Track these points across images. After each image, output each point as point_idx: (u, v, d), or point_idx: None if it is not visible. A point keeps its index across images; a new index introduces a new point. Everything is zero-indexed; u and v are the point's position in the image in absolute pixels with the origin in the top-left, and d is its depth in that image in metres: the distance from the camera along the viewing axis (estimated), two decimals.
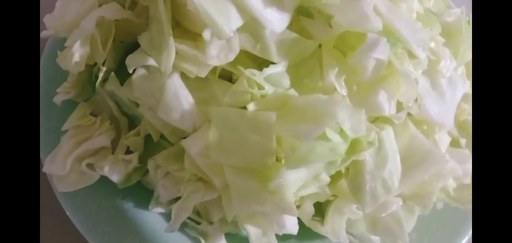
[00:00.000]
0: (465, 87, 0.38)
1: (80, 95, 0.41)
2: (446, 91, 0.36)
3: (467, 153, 0.38)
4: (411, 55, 0.30)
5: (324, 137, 0.28)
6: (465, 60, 0.39)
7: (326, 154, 0.29)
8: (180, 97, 0.33)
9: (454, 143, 0.40)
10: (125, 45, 0.39)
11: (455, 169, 0.35)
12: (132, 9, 0.37)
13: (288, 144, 0.30)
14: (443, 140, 0.37)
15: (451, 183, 0.38)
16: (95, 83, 0.38)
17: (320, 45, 0.32)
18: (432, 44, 0.36)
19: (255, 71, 0.31)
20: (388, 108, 0.31)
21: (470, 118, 0.41)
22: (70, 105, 0.41)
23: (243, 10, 0.28)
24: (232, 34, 0.28)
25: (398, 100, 0.32)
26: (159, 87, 0.33)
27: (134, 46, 0.35)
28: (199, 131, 0.33)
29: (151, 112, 0.35)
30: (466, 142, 0.40)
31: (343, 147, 0.29)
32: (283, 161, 0.30)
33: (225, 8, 0.27)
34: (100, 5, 0.40)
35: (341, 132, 0.29)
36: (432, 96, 0.35)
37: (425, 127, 0.36)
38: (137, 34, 0.35)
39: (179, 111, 0.33)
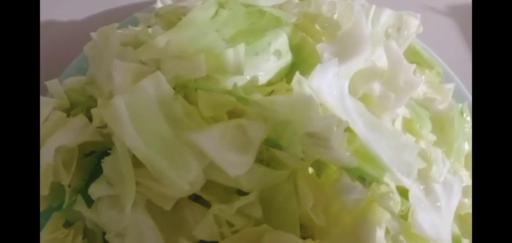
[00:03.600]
0: (462, 185, 0.35)
1: (52, 203, 0.39)
2: (441, 197, 0.33)
3: None
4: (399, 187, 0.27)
5: None
6: (461, 155, 0.35)
7: None
8: (145, 232, 0.30)
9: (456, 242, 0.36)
10: (95, 155, 0.37)
11: None
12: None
13: None
14: None
15: None
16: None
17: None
18: (423, 145, 0.32)
19: (224, 207, 0.28)
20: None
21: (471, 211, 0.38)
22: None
23: (201, 156, 0.25)
24: (189, 187, 0.25)
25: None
26: (123, 217, 0.31)
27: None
28: None
29: (120, 239, 0.33)
30: (469, 242, 0.36)
31: None
32: None
33: (181, 159, 0.25)
34: (68, 113, 0.38)
35: None
36: (426, 205, 0.32)
37: (419, 239, 0.33)
38: (107, 146, 0.33)
39: None
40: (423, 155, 0.32)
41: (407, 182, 0.27)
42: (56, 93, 0.41)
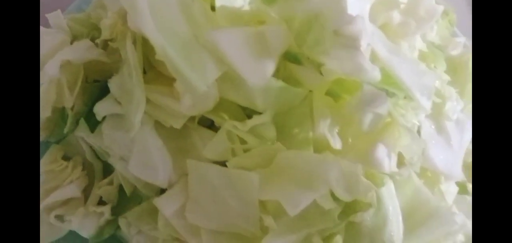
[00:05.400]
0: None
1: (51, 136, 0.38)
2: (453, 135, 0.32)
3: None
4: (415, 103, 0.27)
5: (314, 203, 0.25)
6: None
7: (317, 220, 0.25)
8: (152, 150, 0.29)
9: (462, 190, 0.36)
10: (99, 84, 0.35)
11: (465, 224, 0.31)
12: (105, 48, 0.34)
13: (273, 207, 0.26)
14: (450, 190, 0.33)
15: (460, 238, 0.34)
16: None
17: (310, 91, 0.28)
18: (437, 84, 0.32)
19: (237, 124, 0.27)
20: (388, 165, 0.27)
21: None
22: (42, 146, 0.37)
23: (220, 61, 0.24)
24: (207, 88, 0.24)
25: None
26: (130, 137, 0.30)
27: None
28: (174, 188, 0.29)
29: (123, 163, 0.32)
30: None
31: (337, 211, 0.26)
32: (268, 227, 0.26)
33: (199, 60, 0.24)
34: (71, 42, 0.37)
35: (334, 196, 0.25)
36: (438, 142, 0.32)
37: (429, 174, 0.32)
38: (112, 74, 0.31)
39: (151, 165, 0.29)
40: (437, 92, 0.32)
41: (427, 105, 0.26)
42: (58, 25, 0.39)
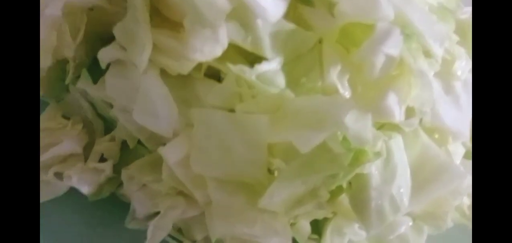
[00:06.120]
0: None
1: (50, 94, 0.37)
2: (461, 95, 0.32)
3: None
4: (426, 53, 0.26)
5: (324, 146, 0.24)
6: None
7: (326, 166, 0.25)
8: (157, 97, 0.28)
9: (468, 155, 0.35)
10: (101, 36, 0.34)
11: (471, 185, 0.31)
12: None
13: (281, 153, 0.26)
14: (457, 151, 0.32)
15: (466, 200, 0.33)
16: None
17: (320, 40, 0.28)
18: (447, 42, 0.32)
19: (246, 68, 0.26)
20: (398, 114, 0.26)
21: None
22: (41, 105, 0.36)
23: None
24: (217, 22, 0.23)
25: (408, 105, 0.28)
26: (134, 86, 0.29)
27: (112, 38, 0.31)
28: (179, 137, 0.29)
29: (126, 114, 0.31)
30: None
31: (346, 158, 0.25)
32: (275, 174, 0.25)
33: None
34: None
35: (344, 141, 0.25)
36: (446, 101, 0.31)
37: (437, 136, 0.32)
38: (115, 22, 0.30)
39: (156, 113, 0.28)
40: (446, 50, 0.31)
41: (439, 52, 0.26)
42: None
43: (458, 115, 0.31)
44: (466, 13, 0.38)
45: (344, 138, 0.24)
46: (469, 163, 0.34)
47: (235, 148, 0.26)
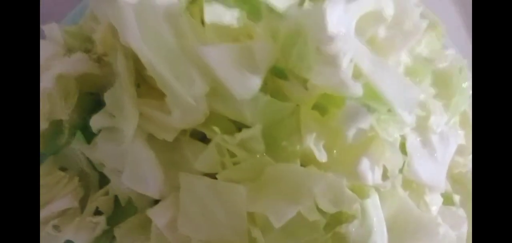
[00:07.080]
0: (458, 140, 0.35)
1: (47, 150, 0.39)
2: (438, 148, 0.33)
3: (462, 214, 0.35)
4: (396, 121, 0.28)
5: (299, 215, 0.25)
6: (459, 110, 0.36)
7: (304, 233, 0.26)
8: (145, 163, 0.30)
9: (447, 200, 0.36)
10: (94, 97, 0.36)
11: (449, 235, 0.32)
12: (99, 60, 0.35)
13: (262, 219, 0.27)
14: (435, 201, 0.34)
15: None
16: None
17: (298, 105, 0.29)
18: (422, 97, 0.33)
19: (227, 137, 0.28)
20: (371, 177, 0.28)
21: (464, 170, 0.38)
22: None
23: (207, 74, 0.25)
24: (194, 103, 0.25)
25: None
26: (123, 150, 0.31)
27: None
28: (167, 200, 0.30)
29: (118, 174, 0.33)
30: (460, 198, 0.37)
31: (322, 223, 0.26)
32: (256, 239, 0.27)
33: (187, 75, 0.25)
34: (66, 55, 0.38)
35: (319, 208, 0.26)
36: (422, 155, 0.32)
37: (415, 186, 0.33)
38: (107, 86, 0.32)
39: (144, 177, 0.30)
40: (422, 105, 0.33)
41: (408, 120, 0.27)
42: (53, 37, 0.40)
43: (434, 167, 0.33)
44: (447, 58, 0.39)
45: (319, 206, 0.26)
46: (448, 210, 0.36)
47: (217, 215, 0.27)
